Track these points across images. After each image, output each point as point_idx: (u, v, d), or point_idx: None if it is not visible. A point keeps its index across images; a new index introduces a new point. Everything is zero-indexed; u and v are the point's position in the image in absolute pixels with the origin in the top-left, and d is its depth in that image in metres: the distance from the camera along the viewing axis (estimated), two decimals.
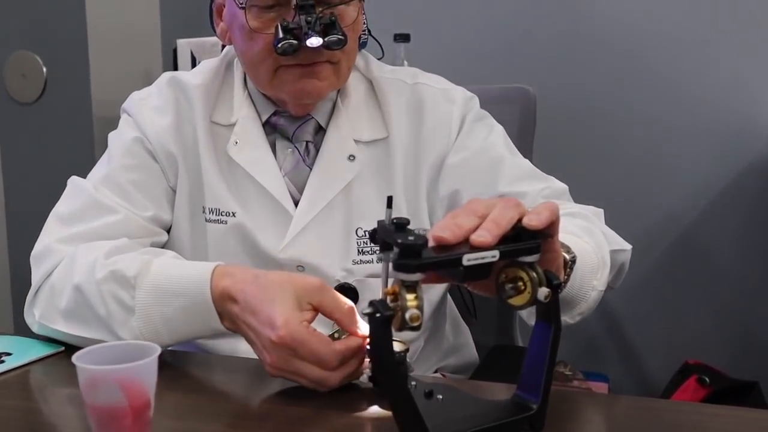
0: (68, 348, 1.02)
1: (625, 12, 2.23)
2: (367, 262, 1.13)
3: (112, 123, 1.25)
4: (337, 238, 1.14)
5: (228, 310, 0.94)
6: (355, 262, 1.13)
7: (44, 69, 2.14)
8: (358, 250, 1.13)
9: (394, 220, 0.73)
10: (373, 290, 1.12)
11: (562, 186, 1.17)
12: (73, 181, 1.17)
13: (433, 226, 0.77)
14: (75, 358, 0.75)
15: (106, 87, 2.15)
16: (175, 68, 2.18)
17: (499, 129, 1.21)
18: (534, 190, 1.12)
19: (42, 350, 1.02)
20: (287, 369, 0.87)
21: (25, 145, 2.18)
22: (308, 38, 1.03)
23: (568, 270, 0.90)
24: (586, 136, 2.29)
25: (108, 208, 1.11)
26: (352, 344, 0.87)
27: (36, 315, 1.06)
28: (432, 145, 1.16)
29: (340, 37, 1.04)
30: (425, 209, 1.16)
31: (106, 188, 1.13)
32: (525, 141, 1.20)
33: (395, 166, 1.15)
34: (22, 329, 1.11)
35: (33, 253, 1.10)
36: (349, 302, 0.90)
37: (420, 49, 2.00)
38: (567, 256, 0.90)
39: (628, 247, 1.09)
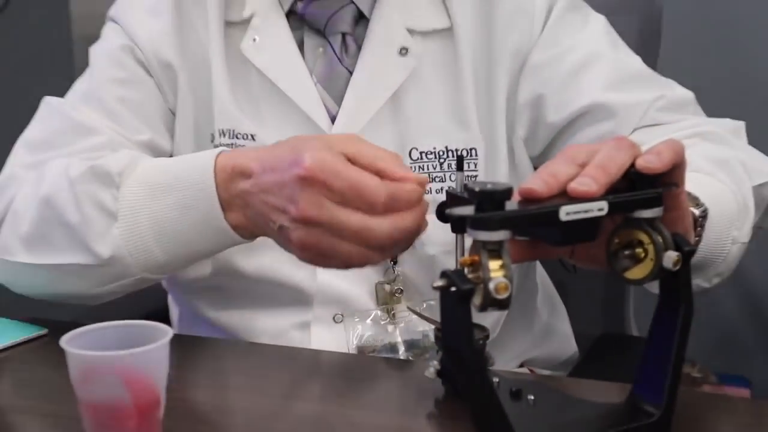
0: (54, 330, 1.05)
1: None
2: (426, 192, 1.10)
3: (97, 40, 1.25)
4: None
5: (238, 191, 0.91)
6: None
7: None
8: None
9: (471, 187, 0.72)
10: (429, 231, 0.97)
11: (687, 93, 1.16)
12: (47, 101, 1.19)
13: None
14: (65, 341, 0.76)
15: None
16: None
17: (600, 19, 1.21)
18: (644, 99, 1.12)
19: (22, 332, 1.06)
20: (320, 220, 0.82)
21: None
22: None
23: (699, 229, 0.90)
24: (727, 57, 2.26)
25: (90, 129, 1.13)
26: (406, 186, 0.84)
27: None
28: (510, 38, 1.16)
29: None
30: (503, 122, 1.16)
31: (87, 107, 1.15)
32: (646, 62, 1.19)
33: (462, 65, 1.15)
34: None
35: None
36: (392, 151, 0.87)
37: None
38: (696, 212, 0.89)
39: None
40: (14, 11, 2.16)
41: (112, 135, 1.12)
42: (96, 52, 1.22)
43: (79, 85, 1.21)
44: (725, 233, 0.95)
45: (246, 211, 0.92)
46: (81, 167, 1.01)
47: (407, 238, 0.85)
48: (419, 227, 0.85)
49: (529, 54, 1.16)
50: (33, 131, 1.16)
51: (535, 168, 1.26)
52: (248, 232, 0.94)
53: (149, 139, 1.16)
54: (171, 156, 1.18)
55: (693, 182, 0.88)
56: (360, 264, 0.86)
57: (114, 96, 1.16)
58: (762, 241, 2.35)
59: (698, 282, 0.96)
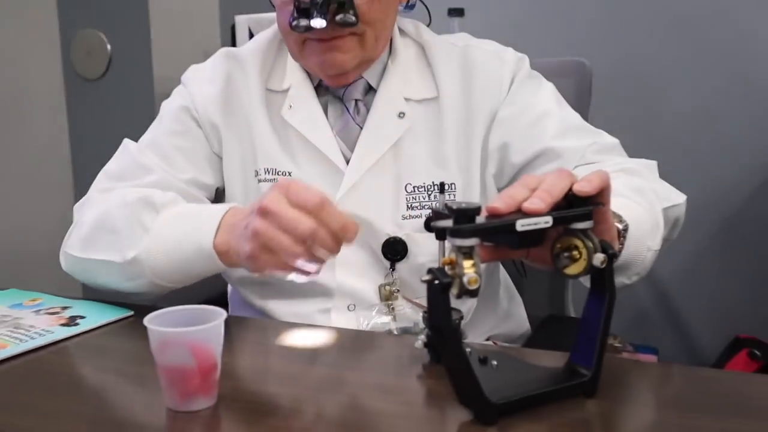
0: (138, 312, 1.05)
1: None
2: (416, 217, 1.14)
3: None
4: (386, 194, 1.14)
5: (228, 220, 0.98)
6: (404, 217, 1.14)
7: (108, 47, 2.17)
8: (407, 206, 1.14)
9: (450, 205, 0.73)
10: (421, 246, 1.13)
11: (612, 140, 1.15)
12: (124, 143, 1.21)
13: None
14: (147, 320, 0.78)
15: (167, 64, 2.17)
16: (233, 44, 2.20)
17: (549, 85, 1.20)
18: (582, 145, 1.11)
19: (113, 313, 1.05)
20: (273, 209, 0.86)
21: (90, 120, 2.22)
22: (312, 19, 1.04)
23: (621, 238, 0.90)
24: (641, 110, 2.26)
25: (149, 169, 1.15)
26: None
27: (62, 249, 1.12)
28: (483, 102, 1.15)
29: (348, 18, 1.04)
30: (477, 162, 1.16)
31: (150, 151, 1.18)
32: (581, 114, 1.19)
33: (446, 124, 1.15)
34: (92, 294, 1.14)
35: (77, 204, 1.16)
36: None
37: (473, 23, 1.98)
38: (620, 226, 0.89)
39: (681, 200, 1.07)
40: (111, 76, 2.17)
41: (164, 174, 1.15)
42: (165, 107, 1.24)
43: (149, 132, 1.23)
44: (642, 243, 0.94)
45: (230, 236, 0.96)
46: (136, 195, 1.06)
47: (323, 242, 0.86)
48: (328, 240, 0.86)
49: (498, 111, 1.16)
50: (111, 165, 1.19)
51: None
52: (228, 257, 0.98)
53: (192, 177, 1.18)
54: (213, 187, 1.21)
55: (617, 204, 0.88)
56: (288, 259, 0.87)
57: (171, 144, 1.18)
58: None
59: (621, 280, 0.96)
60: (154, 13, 2.13)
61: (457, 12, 2.00)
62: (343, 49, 1.09)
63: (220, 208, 1.01)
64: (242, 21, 2.15)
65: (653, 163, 1.11)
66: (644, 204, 0.98)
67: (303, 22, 1.04)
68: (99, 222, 1.08)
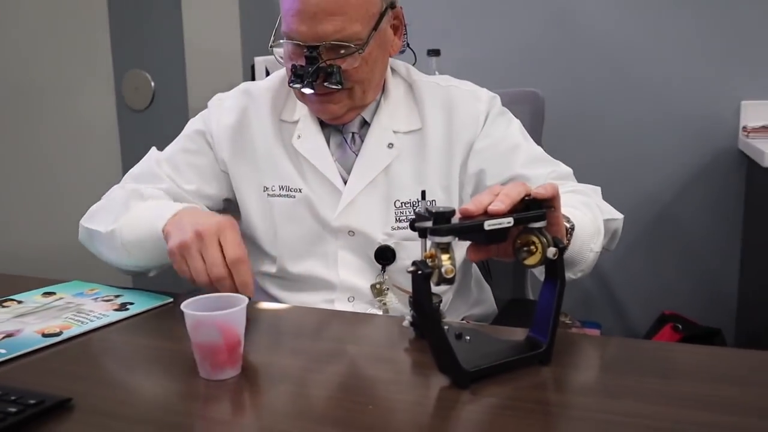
0: (177, 299, 1.04)
1: (614, 30, 2.19)
2: (404, 228, 1.13)
3: None
4: (378, 209, 1.13)
5: (182, 214, 1.00)
6: (393, 228, 1.13)
7: (152, 83, 2.16)
8: (396, 218, 1.13)
9: (430, 209, 0.73)
10: (408, 251, 1.12)
11: (567, 169, 1.15)
12: (151, 151, 1.23)
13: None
14: (183, 306, 0.77)
15: (200, 97, 2.14)
16: (253, 80, 2.20)
17: (517, 122, 1.19)
18: (544, 173, 1.11)
19: (156, 301, 1.04)
20: (202, 241, 0.92)
21: (139, 145, 2.20)
22: (302, 88, 1.04)
23: (569, 236, 0.89)
24: (584, 131, 2.26)
25: (160, 178, 1.17)
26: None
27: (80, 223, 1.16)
28: (462, 135, 1.14)
29: (332, 86, 1.03)
30: (456, 183, 1.15)
31: (166, 164, 1.19)
32: (535, 136, 1.18)
33: (429, 150, 1.14)
34: (139, 284, 1.13)
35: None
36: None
37: (448, 61, 1.98)
38: (567, 225, 0.89)
39: (620, 216, 1.07)
40: (155, 108, 2.16)
41: (172, 184, 1.16)
42: (188, 125, 1.23)
43: (170, 145, 1.23)
44: (585, 244, 0.94)
45: (173, 227, 0.98)
46: (134, 187, 1.14)
47: (223, 288, 0.91)
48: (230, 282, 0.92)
49: (474, 143, 1.14)
50: (135, 169, 1.21)
51: None
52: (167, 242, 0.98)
53: (196, 188, 1.18)
54: (219, 197, 1.21)
55: (566, 212, 0.89)
56: (194, 278, 0.93)
57: (183, 160, 1.19)
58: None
59: (569, 275, 0.95)
60: (189, 56, 2.13)
61: (434, 52, 1.99)
62: (334, 100, 1.08)
63: (182, 205, 1.04)
64: (260, 61, 2.15)
65: (598, 188, 1.12)
66: (589, 214, 0.98)
67: (297, 85, 1.04)
68: (104, 204, 1.15)
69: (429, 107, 1.15)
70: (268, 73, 2.12)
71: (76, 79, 2.07)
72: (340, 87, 1.04)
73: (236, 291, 0.90)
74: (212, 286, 0.92)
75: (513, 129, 1.17)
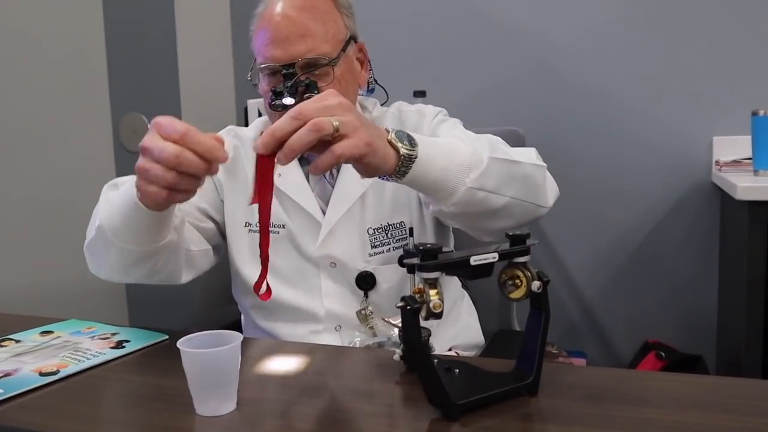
0: (172, 336, 1.03)
1: (591, 71, 2.23)
2: (379, 253, 1.14)
3: None
4: (355, 238, 1.15)
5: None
6: (370, 255, 1.14)
7: (149, 126, 2.18)
8: (371, 245, 1.14)
9: (418, 246, 0.73)
10: (385, 275, 1.14)
11: (496, 138, 1.08)
12: None
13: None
14: (179, 343, 0.76)
15: None
16: (246, 122, 2.21)
17: (457, 120, 1.21)
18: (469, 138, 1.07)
19: (152, 338, 1.04)
20: (147, 146, 0.82)
21: None
22: (283, 98, 1.05)
23: (408, 163, 0.85)
24: (563, 167, 2.28)
25: None
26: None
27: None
28: None
29: (313, 94, 1.05)
30: (416, 197, 1.16)
31: None
32: None
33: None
34: (135, 322, 1.12)
35: None
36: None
37: (434, 101, 2.00)
38: (407, 153, 0.84)
39: (525, 160, 0.98)
40: None
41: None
42: None
43: None
44: (458, 176, 0.90)
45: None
46: (112, 183, 1.06)
47: (190, 164, 0.81)
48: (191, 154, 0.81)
49: None
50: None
51: (454, 233, 1.27)
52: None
53: (201, 207, 1.18)
54: (211, 215, 1.19)
55: (445, 139, 0.92)
56: (163, 184, 0.82)
57: None
58: (588, 263, 2.35)
59: (441, 208, 0.92)
60: (184, 100, 2.14)
61: (420, 93, 2.02)
62: None
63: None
64: (252, 104, 2.18)
65: (498, 139, 1.05)
66: (471, 147, 0.93)
67: (278, 102, 1.06)
68: (100, 203, 1.04)
69: None
70: (260, 115, 2.14)
71: (73, 122, 2.07)
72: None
73: (205, 161, 0.81)
74: (179, 178, 0.82)
75: (455, 129, 1.17)
